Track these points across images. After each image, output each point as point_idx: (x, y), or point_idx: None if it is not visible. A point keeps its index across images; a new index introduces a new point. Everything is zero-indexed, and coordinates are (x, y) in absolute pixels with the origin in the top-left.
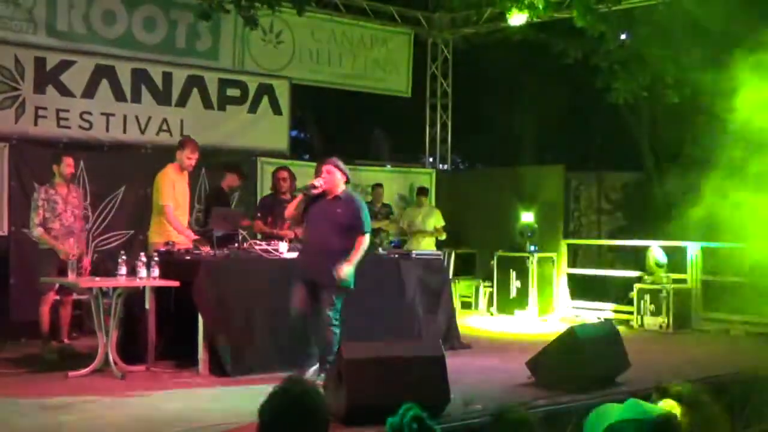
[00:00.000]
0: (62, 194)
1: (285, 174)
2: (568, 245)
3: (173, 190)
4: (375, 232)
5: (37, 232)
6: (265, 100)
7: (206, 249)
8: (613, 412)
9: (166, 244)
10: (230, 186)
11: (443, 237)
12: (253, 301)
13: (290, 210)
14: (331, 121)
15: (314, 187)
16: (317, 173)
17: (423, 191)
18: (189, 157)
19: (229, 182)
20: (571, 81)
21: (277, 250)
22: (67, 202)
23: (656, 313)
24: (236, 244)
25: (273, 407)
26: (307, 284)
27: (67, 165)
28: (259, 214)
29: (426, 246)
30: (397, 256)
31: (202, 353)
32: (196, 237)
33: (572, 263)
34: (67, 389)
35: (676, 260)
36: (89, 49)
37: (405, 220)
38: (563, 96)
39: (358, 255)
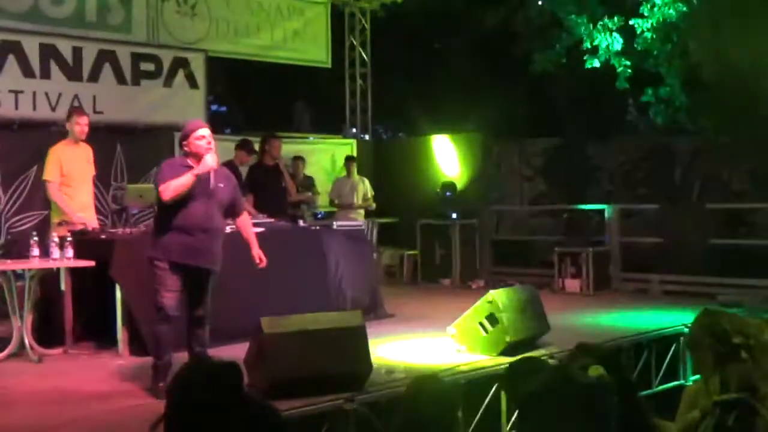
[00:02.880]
0: None
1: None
2: (491, 212)
3: (59, 165)
4: (296, 205)
5: None
6: (181, 73)
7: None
8: (534, 377)
9: (60, 224)
10: (241, 162)
11: (373, 206)
12: None
13: None
14: (252, 94)
15: None
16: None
17: (351, 160)
18: (78, 123)
19: (240, 159)
20: (491, 50)
21: None
22: None
23: (576, 275)
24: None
25: (180, 384)
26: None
27: None
28: None
29: (356, 217)
30: (318, 228)
31: (121, 334)
32: (77, 217)
33: (495, 230)
34: None
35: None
36: None
37: (333, 192)
38: (484, 65)
39: None
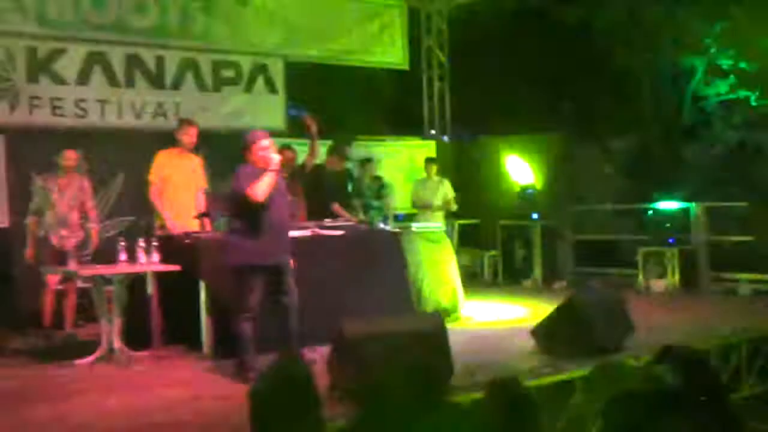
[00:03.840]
0: (60, 184)
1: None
2: (573, 211)
3: (161, 170)
4: (365, 208)
5: (28, 221)
6: (260, 79)
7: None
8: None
9: (161, 227)
10: (332, 166)
11: (454, 208)
12: None
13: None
14: (330, 98)
15: None
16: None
17: (431, 161)
18: (187, 133)
19: (332, 163)
20: (571, 47)
21: None
22: (63, 192)
23: (662, 275)
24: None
25: (263, 388)
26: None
27: (67, 158)
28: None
29: (436, 219)
30: (397, 230)
31: (206, 336)
32: (171, 222)
33: (577, 230)
34: (74, 378)
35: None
36: (80, 36)
37: (413, 194)
38: (564, 63)
39: None
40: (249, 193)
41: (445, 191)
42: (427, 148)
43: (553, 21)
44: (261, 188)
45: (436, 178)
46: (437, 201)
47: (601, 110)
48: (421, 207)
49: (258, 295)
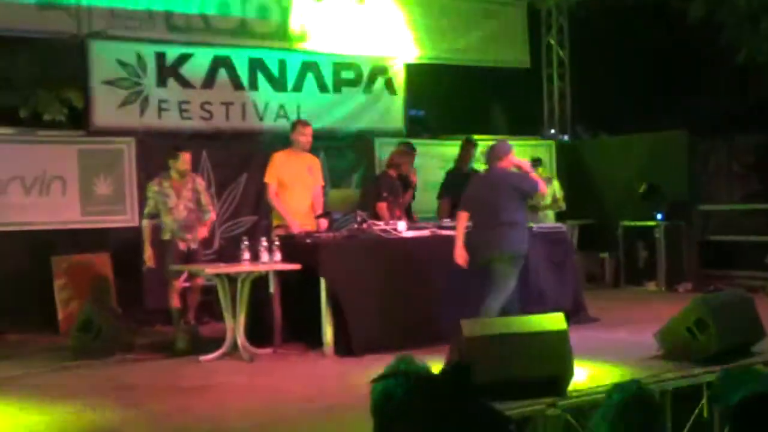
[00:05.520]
0: (176, 188)
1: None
2: (698, 212)
3: (276, 170)
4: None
5: (144, 224)
6: (380, 80)
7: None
8: (745, 386)
9: (278, 227)
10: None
11: (563, 208)
12: (375, 281)
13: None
14: (449, 98)
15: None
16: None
17: (536, 161)
18: (302, 134)
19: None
20: (694, 42)
21: (396, 230)
22: (180, 196)
23: None
24: (355, 225)
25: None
26: None
27: (184, 161)
28: (384, 194)
29: (544, 218)
30: None
31: (326, 335)
32: (290, 221)
33: (704, 230)
34: (199, 373)
35: None
36: (206, 40)
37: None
38: (687, 58)
39: None
40: (543, 190)
41: (553, 190)
42: (548, 147)
43: (674, 15)
44: (544, 184)
45: (545, 177)
46: (546, 200)
47: (726, 106)
48: (531, 207)
49: None
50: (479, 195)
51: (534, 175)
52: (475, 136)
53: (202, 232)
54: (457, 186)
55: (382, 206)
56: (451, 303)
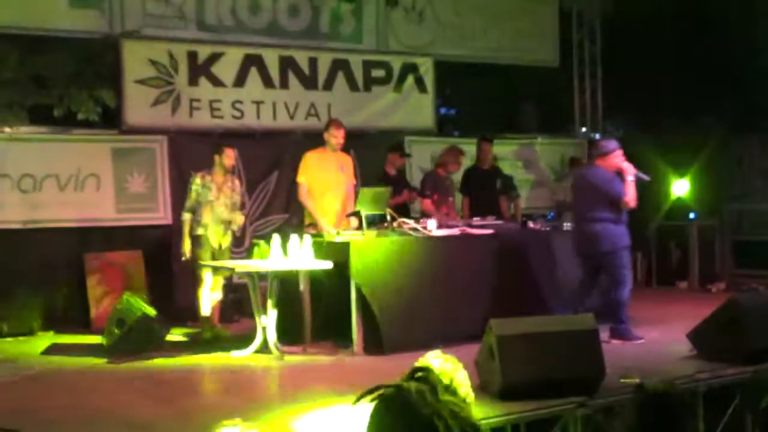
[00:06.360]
0: (217, 183)
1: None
2: (732, 210)
3: (307, 170)
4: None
5: (184, 217)
6: (410, 78)
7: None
8: None
9: (309, 225)
10: (395, 166)
11: None
12: (405, 279)
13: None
14: (479, 96)
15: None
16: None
17: (574, 160)
18: (334, 135)
19: (393, 163)
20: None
21: (426, 228)
22: (221, 191)
23: None
24: (385, 224)
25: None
26: None
27: (228, 156)
28: (428, 192)
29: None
30: (548, 229)
31: (356, 333)
32: (321, 221)
33: (736, 229)
34: (230, 370)
35: None
36: (237, 39)
37: (558, 193)
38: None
39: None
40: (627, 201)
41: None
42: (580, 147)
43: (713, 10)
44: (634, 196)
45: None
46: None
47: (760, 104)
48: (562, 205)
49: None
50: (576, 189)
51: (629, 183)
52: (507, 136)
53: (234, 230)
54: (476, 184)
55: (427, 203)
56: (481, 302)
